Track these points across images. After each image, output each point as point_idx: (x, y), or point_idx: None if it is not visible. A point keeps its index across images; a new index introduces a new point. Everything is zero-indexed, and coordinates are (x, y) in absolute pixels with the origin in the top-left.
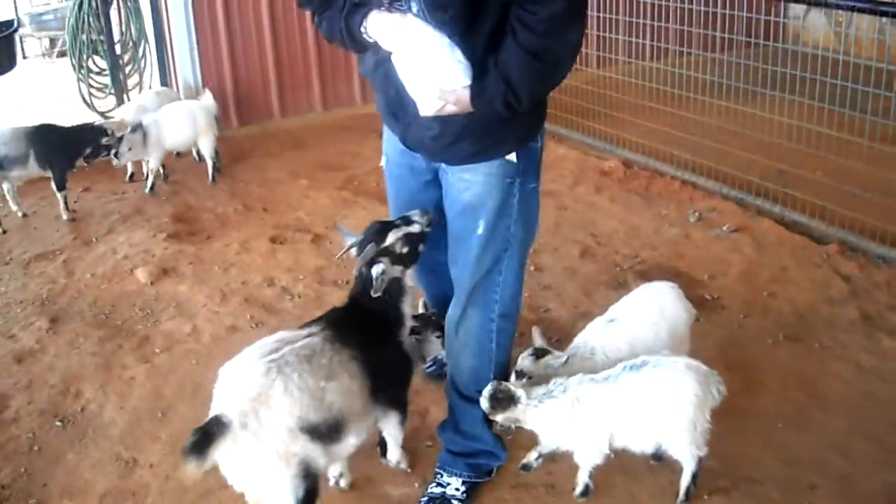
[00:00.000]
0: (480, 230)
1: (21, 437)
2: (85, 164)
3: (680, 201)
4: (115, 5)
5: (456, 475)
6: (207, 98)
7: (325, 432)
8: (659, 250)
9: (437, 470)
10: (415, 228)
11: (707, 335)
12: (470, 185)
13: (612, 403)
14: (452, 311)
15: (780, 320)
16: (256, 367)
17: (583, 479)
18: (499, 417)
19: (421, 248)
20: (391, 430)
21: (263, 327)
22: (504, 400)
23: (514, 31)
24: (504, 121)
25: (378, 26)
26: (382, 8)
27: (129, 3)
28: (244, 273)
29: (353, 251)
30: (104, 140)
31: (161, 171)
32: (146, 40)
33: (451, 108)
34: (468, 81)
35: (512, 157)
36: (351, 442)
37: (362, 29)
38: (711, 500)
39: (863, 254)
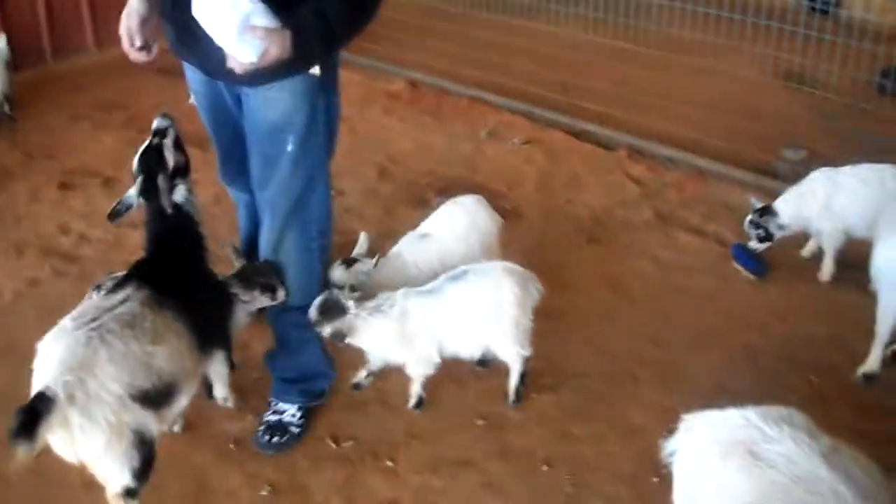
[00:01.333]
0: (290, 146)
1: None
2: None
3: (470, 118)
4: None
5: (290, 402)
6: None
7: (157, 397)
8: (455, 167)
9: (271, 399)
10: (170, 133)
11: (511, 244)
12: (276, 102)
13: (439, 314)
14: (267, 238)
15: (579, 225)
16: (76, 337)
17: (416, 391)
18: (327, 329)
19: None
20: (218, 367)
21: (66, 277)
22: (333, 310)
23: None
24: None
25: None
26: None
27: None
28: (37, 224)
29: (132, 197)
30: None
31: None
32: None
33: (273, 53)
34: (277, 24)
35: (315, 70)
36: (183, 402)
37: None
38: (541, 398)
39: (650, 157)
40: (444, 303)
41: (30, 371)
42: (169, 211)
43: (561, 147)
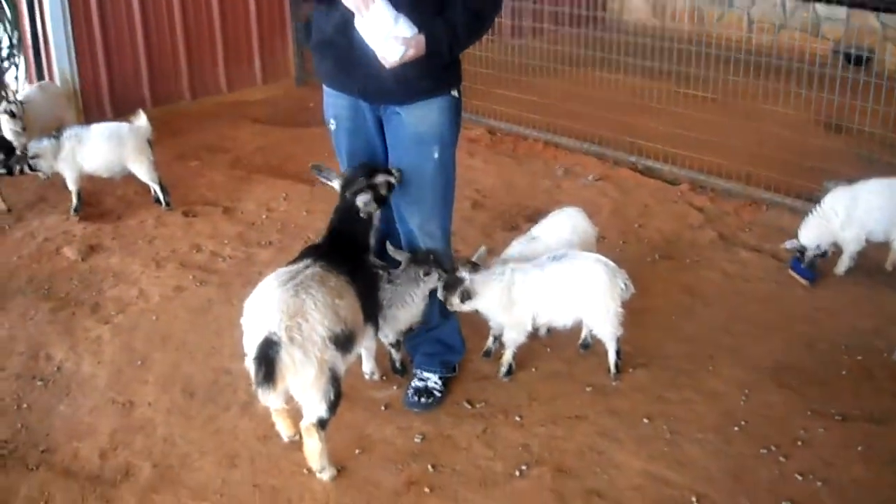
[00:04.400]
0: (436, 155)
1: (5, 399)
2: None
3: (545, 159)
4: None
5: (432, 371)
6: (140, 119)
7: (344, 342)
8: (538, 199)
9: (415, 370)
10: (392, 179)
11: None
12: (425, 117)
13: (538, 284)
14: (413, 229)
15: (652, 245)
16: (285, 291)
17: (507, 358)
18: (454, 300)
19: (390, 198)
20: (368, 342)
21: (208, 284)
22: (453, 283)
23: None
24: (445, 66)
25: None
26: None
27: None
28: (169, 243)
29: (335, 183)
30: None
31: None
32: (20, 35)
33: (411, 53)
34: (416, 31)
35: (455, 92)
36: (356, 352)
37: None
38: (636, 373)
39: (711, 189)
40: (544, 276)
41: (187, 357)
42: (362, 215)
43: (630, 183)
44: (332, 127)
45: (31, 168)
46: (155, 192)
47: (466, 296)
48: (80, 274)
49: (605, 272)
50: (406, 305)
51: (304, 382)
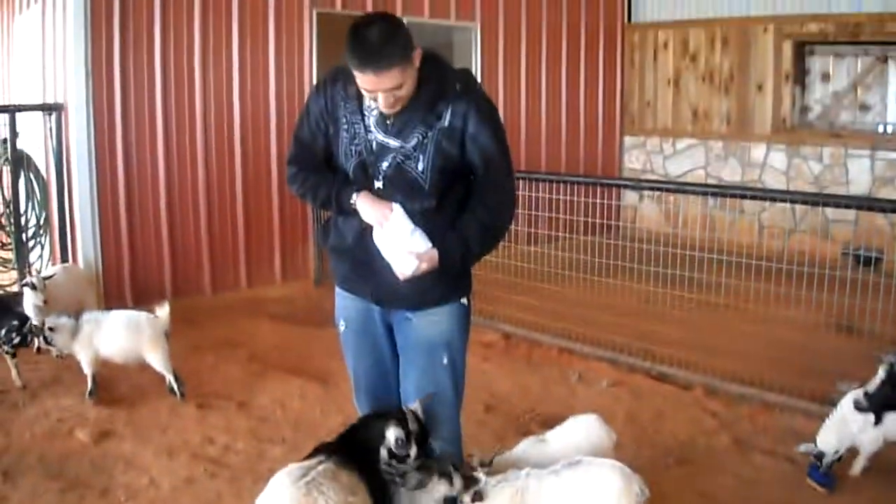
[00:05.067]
0: (445, 361)
1: None
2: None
3: (560, 365)
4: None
5: None
6: (163, 310)
7: None
8: (552, 405)
9: None
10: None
11: None
12: (437, 323)
13: (553, 491)
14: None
15: (667, 450)
16: (297, 487)
17: None
18: (466, 500)
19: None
20: None
21: (218, 478)
22: (470, 479)
23: (475, 209)
24: (457, 275)
25: (366, 206)
26: (371, 191)
27: (36, 181)
28: (182, 434)
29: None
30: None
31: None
32: (47, 216)
33: (424, 267)
34: (430, 245)
35: (465, 300)
36: None
37: (352, 202)
38: None
39: (724, 393)
40: (559, 482)
41: None
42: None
43: (644, 388)
44: (342, 328)
45: (46, 342)
46: (169, 382)
47: (478, 497)
48: (91, 457)
49: (621, 478)
50: None
51: None
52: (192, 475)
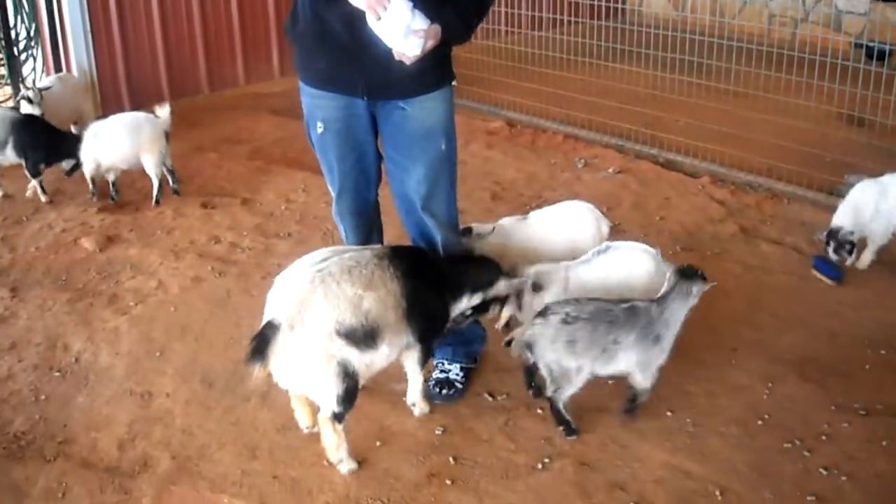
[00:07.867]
0: (444, 148)
1: (23, 390)
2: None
3: (565, 152)
4: None
5: (454, 362)
6: (163, 111)
7: (362, 337)
8: (558, 191)
9: (437, 361)
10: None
11: None
12: (433, 110)
13: (588, 278)
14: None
15: (673, 237)
16: (304, 274)
17: None
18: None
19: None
20: (411, 365)
21: (226, 275)
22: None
23: None
24: (445, 56)
25: None
26: None
27: None
28: (188, 234)
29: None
30: None
31: (92, 186)
32: (37, 27)
33: (430, 44)
34: (430, 23)
35: (454, 82)
36: (384, 352)
37: None
38: None
39: (731, 182)
40: (593, 269)
41: (206, 347)
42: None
43: (650, 175)
44: (320, 130)
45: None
46: (159, 184)
47: (538, 287)
48: (97, 265)
49: (651, 260)
50: None
51: (303, 373)
52: (200, 275)
